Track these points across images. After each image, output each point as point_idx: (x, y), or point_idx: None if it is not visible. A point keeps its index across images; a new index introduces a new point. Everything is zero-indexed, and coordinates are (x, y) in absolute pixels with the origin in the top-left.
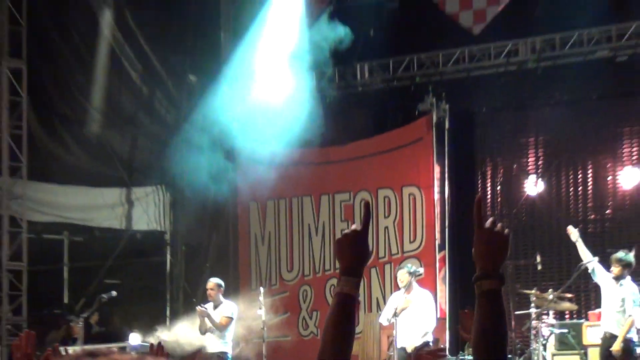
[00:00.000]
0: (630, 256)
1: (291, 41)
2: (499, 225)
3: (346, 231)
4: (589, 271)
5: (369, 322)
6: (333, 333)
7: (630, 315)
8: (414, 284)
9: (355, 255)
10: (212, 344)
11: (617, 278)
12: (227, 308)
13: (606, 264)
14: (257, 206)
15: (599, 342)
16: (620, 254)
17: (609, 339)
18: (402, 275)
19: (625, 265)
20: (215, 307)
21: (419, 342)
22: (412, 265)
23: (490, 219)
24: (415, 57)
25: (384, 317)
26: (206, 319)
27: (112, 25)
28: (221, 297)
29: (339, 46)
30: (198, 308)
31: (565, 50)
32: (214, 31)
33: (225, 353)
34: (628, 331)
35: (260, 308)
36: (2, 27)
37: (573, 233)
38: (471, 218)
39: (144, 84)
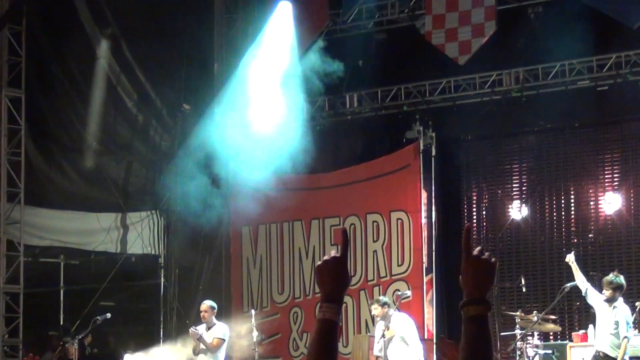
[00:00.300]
0: (621, 279)
1: (282, 71)
2: (486, 253)
3: (325, 258)
4: (583, 293)
5: (358, 343)
6: (316, 358)
7: (625, 337)
8: (390, 312)
9: (335, 281)
10: None
11: (609, 300)
12: (219, 330)
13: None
14: (249, 230)
15: None
16: (611, 276)
17: (603, 358)
18: (375, 309)
19: (616, 287)
20: (208, 328)
21: None
22: (382, 297)
23: (477, 248)
24: (403, 87)
25: (376, 349)
26: (199, 341)
27: (108, 55)
28: (214, 319)
29: (329, 76)
30: (191, 330)
31: (548, 80)
32: (207, 61)
33: None
34: (624, 353)
35: (251, 330)
36: (2, 57)
37: (569, 257)
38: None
39: (139, 113)
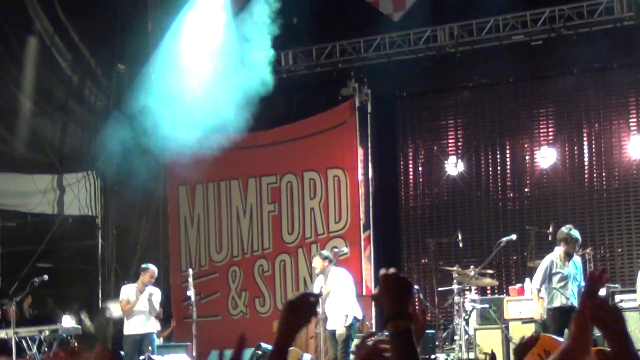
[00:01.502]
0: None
1: (217, 29)
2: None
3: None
4: None
5: None
6: None
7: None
8: (330, 267)
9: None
10: (151, 325)
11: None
12: (158, 295)
13: (525, 240)
14: (186, 190)
15: (520, 315)
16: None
17: None
18: (316, 262)
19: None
20: (142, 291)
21: (342, 324)
22: (324, 251)
23: (390, 269)
24: (338, 44)
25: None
26: (143, 303)
27: (41, 15)
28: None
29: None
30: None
31: (482, 35)
32: (141, 21)
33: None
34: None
35: (189, 289)
36: None
37: None
38: (394, 199)
39: (74, 73)
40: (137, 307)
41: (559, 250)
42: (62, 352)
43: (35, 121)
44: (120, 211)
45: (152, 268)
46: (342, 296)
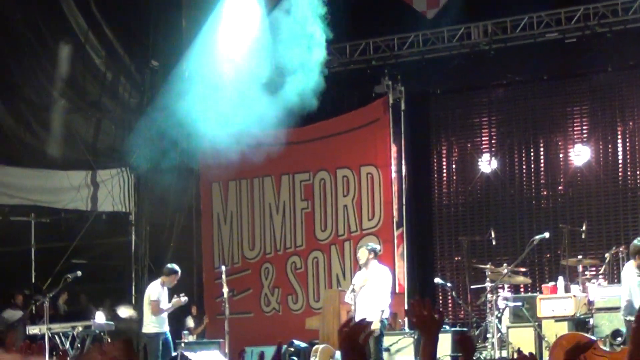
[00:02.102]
0: None
1: (251, 27)
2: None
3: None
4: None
5: (329, 298)
6: None
7: None
8: (373, 261)
9: None
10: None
11: None
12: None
13: (558, 238)
14: (220, 186)
15: (552, 314)
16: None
17: None
18: (362, 254)
19: None
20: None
21: (378, 318)
22: (370, 243)
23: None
24: (371, 41)
25: (348, 296)
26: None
27: (75, 12)
28: None
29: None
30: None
31: (516, 33)
32: (175, 17)
33: None
34: None
35: (222, 286)
36: None
37: None
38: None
39: (108, 70)
40: (166, 306)
41: (632, 264)
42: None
43: (69, 118)
44: (154, 208)
45: (179, 270)
46: (381, 291)
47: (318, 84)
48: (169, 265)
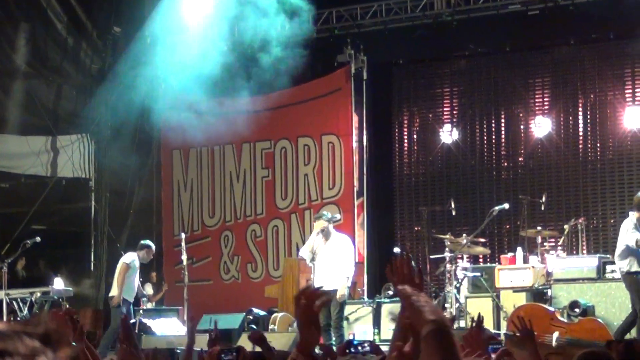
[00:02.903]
0: None
1: None
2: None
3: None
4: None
5: (289, 266)
6: None
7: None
8: (332, 230)
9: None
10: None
11: None
12: None
13: (517, 209)
14: (180, 154)
15: (511, 284)
16: None
17: None
18: (319, 224)
19: None
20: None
21: (345, 285)
22: (327, 212)
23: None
24: (334, 10)
25: (305, 253)
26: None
27: None
28: None
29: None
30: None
31: (479, 4)
32: None
33: None
34: None
35: (181, 253)
36: None
37: None
38: (389, 166)
39: (70, 35)
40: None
41: (634, 216)
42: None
43: (29, 83)
44: (114, 174)
45: (153, 247)
46: (345, 259)
47: (281, 52)
48: (142, 241)
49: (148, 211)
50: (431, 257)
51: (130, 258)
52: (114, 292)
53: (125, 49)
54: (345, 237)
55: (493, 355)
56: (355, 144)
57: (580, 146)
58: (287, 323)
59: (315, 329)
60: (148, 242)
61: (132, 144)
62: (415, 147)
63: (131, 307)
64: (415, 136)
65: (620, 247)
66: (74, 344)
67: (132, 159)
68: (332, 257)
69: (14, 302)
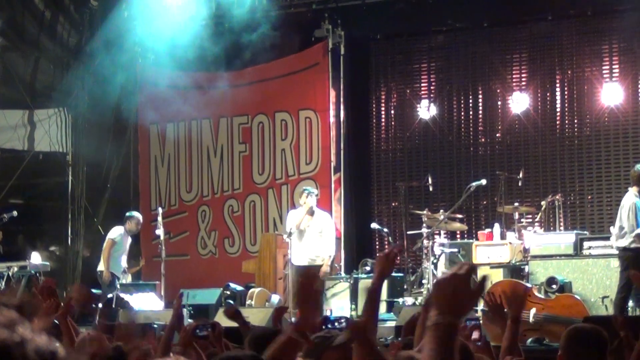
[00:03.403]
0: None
1: None
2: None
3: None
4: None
5: (266, 241)
6: None
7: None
8: (316, 207)
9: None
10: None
11: None
12: None
13: (495, 185)
14: (157, 128)
15: (488, 260)
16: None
17: None
18: (311, 200)
19: None
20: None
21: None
22: (311, 188)
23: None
24: None
25: (292, 228)
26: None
27: None
28: None
29: None
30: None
31: None
32: None
33: None
34: None
35: (158, 228)
36: None
37: None
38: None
39: (47, 9)
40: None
41: (634, 190)
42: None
43: (6, 56)
44: (91, 149)
45: (139, 217)
46: (329, 237)
47: (258, 27)
48: (127, 213)
49: (125, 186)
50: (408, 232)
51: (116, 233)
52: (101, 267)
53: (103, 23)
54: (327, 214)
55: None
56: (332, 119)
57: (558, 122)
58: (264, 298)
59: (315, 308)
60: (133, 212)
61: (109, 118)
62: (393, 123)
63: (116, 280)
64: (392, 112)
65: (622, 224)
66: (55, 320)
67: (109, 134)
68: (317, 233)
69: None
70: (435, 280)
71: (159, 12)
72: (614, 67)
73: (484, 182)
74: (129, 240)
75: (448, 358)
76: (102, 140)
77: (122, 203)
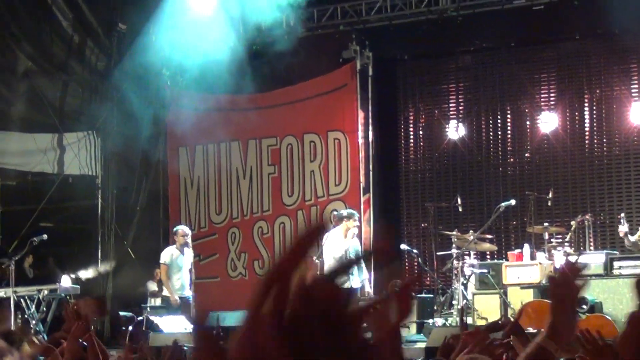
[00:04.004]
0: None
1: None
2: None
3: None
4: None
5: None
6: None
7: None
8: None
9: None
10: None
11: None
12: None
13: (524, 206)
14: (186, 151)
15: (518, 281)
16: None
17: None
18: (352, 224)
19: None
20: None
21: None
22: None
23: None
24: (339, 6)
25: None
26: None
27: None
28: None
29: None
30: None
31: None
32: None
33: None
34: None
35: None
36: None
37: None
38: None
39: (75, 32)
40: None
41: None
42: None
43: (35, 80)
44: (120, 171)
45: (181, 228)
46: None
47: (286, 49)
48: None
49: (155, 208)
50: (438, 253)
51: (166, 255)
52: (165, 293)
53: (131, 47)
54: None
55: None
56: (361, 140)
57: (587, 142)
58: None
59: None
60: (176, 227)
61: (138, 141)
62: (422, 143)
63: (188, 300)
64: (421, 132)
65: None
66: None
67: (138, 156)
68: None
69: (22, 300)
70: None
71: (188, 35)
72: None
73: (513, 202)
74: (185, 255)
75: None
76: (131, 163)
77: (152, 225)
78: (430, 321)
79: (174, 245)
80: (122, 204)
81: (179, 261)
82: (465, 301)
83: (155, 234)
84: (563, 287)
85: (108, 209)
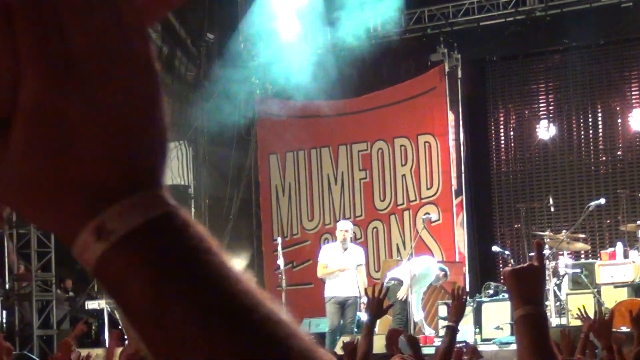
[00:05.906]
0: None
1: None
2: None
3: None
4: None
5: (387, 267)
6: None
7: None
8: None
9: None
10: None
11: None
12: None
13: (617, 204)
14: (277, 158)
15: (611, 280)
16: None
17: None
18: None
19: None
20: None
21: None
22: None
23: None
24: (426, 9)
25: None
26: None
27: None
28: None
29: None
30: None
31: None
32: None
33: None
34: None
35: (278, 257)
36: None
37: None
38: (486, 164)
39: (164, 44)
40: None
41: None
42: None
43: None
44: (213, 181)
45: (341, 224)
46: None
47: (374, 54)
48: None
49: (247, 216)
50: (530, 254)
51: (321, 258)
52: None
53: (220, 55)
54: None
55: None
56: (452, 143)
57: None
58: (387, 325)
59: None
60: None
61: (229, 150)
62: (512, 144)
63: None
64: (512, 133)
65: None
66: None
67: (229, 165)
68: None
69: (115, 311)
70: (505, 274)
71: (275, 42)
72: None
73: (603, 201)
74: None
75: (546, 348)
76: (223, 172)
77: (245, 234)
78: None
79: (329, 244)
80: (214, 213)
81: (334, 258)
82: (559, 301)
83: (249, 241)
84: None
85: (201, 218)
